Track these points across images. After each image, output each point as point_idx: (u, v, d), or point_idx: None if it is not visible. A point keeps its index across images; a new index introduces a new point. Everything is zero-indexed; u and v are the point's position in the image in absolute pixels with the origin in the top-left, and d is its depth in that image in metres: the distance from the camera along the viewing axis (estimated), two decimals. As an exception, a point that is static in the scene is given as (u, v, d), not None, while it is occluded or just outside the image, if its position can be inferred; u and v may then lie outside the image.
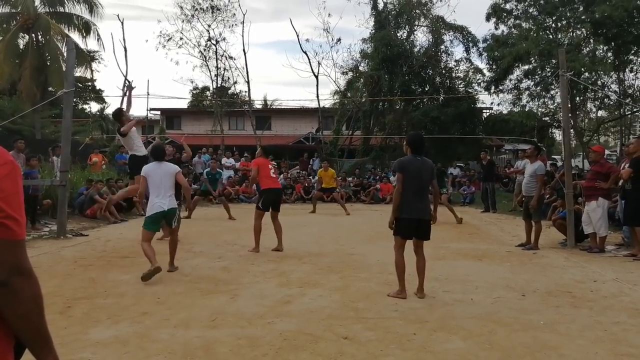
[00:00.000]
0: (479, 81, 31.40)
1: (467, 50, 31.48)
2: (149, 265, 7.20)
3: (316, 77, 31.96)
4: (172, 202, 7.99)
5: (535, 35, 26.49)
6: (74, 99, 20.31)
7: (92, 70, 35.04)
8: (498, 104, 31.90)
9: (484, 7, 40.99)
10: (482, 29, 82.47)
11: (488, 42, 29.28)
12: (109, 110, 43.73)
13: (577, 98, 27.22)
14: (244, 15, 32.43)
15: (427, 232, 6.58)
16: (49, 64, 30.88)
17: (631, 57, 27.33)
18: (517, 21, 28.88)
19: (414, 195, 6.40)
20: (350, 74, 33.45)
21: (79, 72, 31.35)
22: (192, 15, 31.33)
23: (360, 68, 32.86)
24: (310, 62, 31.97)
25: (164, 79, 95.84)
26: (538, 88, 28.25)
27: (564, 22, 27.19)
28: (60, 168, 11.98)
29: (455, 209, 15.49)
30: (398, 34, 31.36)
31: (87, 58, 32.64)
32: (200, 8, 31.23)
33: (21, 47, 31.10)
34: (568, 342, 4.90)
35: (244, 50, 31.36)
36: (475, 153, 29.59)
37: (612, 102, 29.42)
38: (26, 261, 1.68)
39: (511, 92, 29.70)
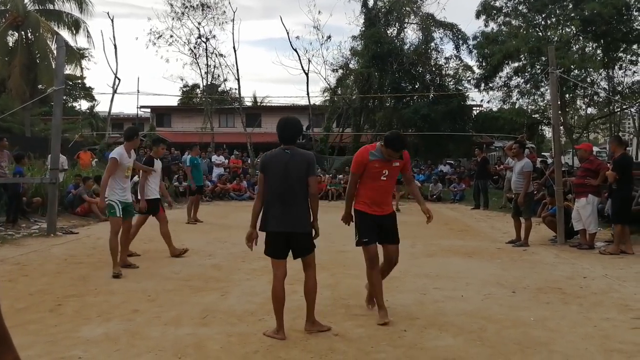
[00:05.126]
0: (469, 78, 31.63)
1: (457, 47, 31.74)
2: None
3: (306, 74, 32.05)
4: None
5: (524, 32, 26.66)
6: (64, 97, 20.10)
7: (82, 68, 35.02)
8: (488, 102, 32.15)
9: (474, 5, 41.25)
10: (472, 26, 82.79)
11: (478, 40, 29.42)
12: (99, 108, 43.59)
13: (567, 95, 27.41)
14: (234, 12, 32.63)
15: (306, 247, 5.03)
16: (38, 61, 30.75)
17: (620, 54, 27.58)
18: (507, 18, 29.06)
19: (280, 202, 4.90)
20: (341, 71, 33.55)
21: (68, 70, 31.19)
22: (182, 13, 31.37)
23: (351, 65, 33.02)
24: (300, 60, 32.08)
25: (154, 76, 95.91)
26: (528, 85, 28.43)
27: (554, 20, 27.37)
28: (50, 166, 11.87)
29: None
30: (388, 32, 31.50)
31: (76, 55, 32.51)
32: (191, 5, 31.24)
33: (10, 44, 30.96)
34: (558, 338, 4.93)
35: (234, 47, 31.37)
36: (466, 150, 29.81)
37: (601, 100, 29.65)
38: None
39: (501, 90, 29.93)
